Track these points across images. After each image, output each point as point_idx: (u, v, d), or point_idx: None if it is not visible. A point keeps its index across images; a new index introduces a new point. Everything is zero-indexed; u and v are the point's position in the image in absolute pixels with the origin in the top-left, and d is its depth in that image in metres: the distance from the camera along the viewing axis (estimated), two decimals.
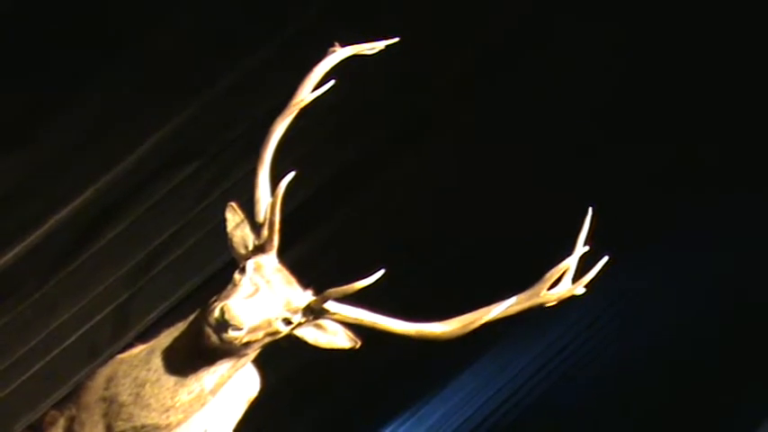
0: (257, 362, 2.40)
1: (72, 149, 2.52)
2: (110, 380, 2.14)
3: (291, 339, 2.16)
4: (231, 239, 2.16)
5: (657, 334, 6.05)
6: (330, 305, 2.08)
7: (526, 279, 2.27)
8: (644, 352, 6.15)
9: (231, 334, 1.93)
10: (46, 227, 2.59)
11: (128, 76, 2.51)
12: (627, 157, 4.31)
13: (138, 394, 2.06)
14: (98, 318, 3.05)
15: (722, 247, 5.28)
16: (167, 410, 2.07)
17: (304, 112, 2.23)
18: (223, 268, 3.06)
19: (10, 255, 2.57)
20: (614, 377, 6.15)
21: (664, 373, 6.22)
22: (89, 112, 2.46)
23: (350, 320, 2.12)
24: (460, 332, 2.12)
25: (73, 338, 3.02)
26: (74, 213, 2.64)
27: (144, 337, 2.58)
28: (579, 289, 2.25)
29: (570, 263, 2.19)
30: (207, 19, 2.51)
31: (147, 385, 2.05)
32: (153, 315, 3.16)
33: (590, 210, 2.29)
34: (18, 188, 2.48)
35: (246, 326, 1.94)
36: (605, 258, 2.26)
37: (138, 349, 2.21)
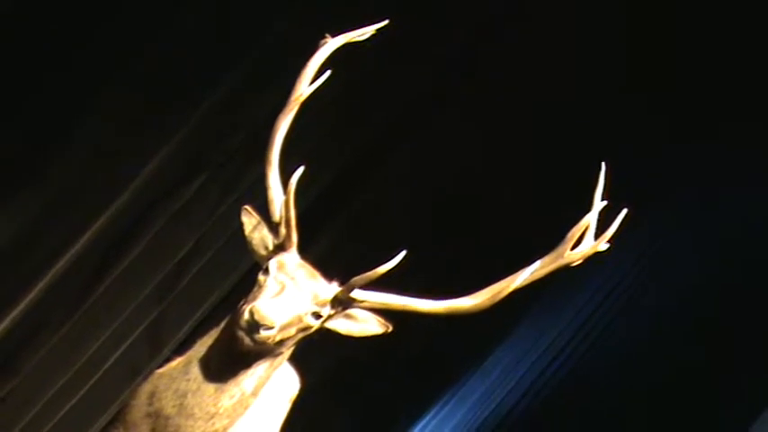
0: (294, 360, 2.43)
1: (79, 177, 2.55)
2: (152, 395, 2.16)
3: (324, 333, 2.18)
4: (251, 242, 2.18)
5: (686, 289, 5.99)
6: (357, 293, 2.09)
7: (549, 244, 2.27)
8: (674, 308, 6.10)
9: (263, 334, 1.95)
10: (67, 256, 2.62)
11: (128, 95, 2.53)
12: (642, 106, 4.27)
13: (181, 405, 2.08)
14: (133, 337, 3.08)
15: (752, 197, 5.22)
16: (212, 417, 2.09)
17: (305, 106, 2.23)
18: (248, 272, 3.09)
19: (37, 288, 2.61)
20: (647, 336, 6.11)
21: (695, 330, 6.15)
22: (90, 136, 2.49)
23: (378, 306, 2.13)
24: (489, 303, 2.13)
25: (111, 361, 3.06)
26: (92, 239, 2.66)
27: (180, 350, 2.61)
28: (602, 245, 2.24)
29: (590, 219, 2.18)
30: (204, 22, 2.52)
31: (189, 395, 2.08)
32: (186, 327, 3.20)
33: (603, 165, 2.28)
34: (34, 222, 2.51)
35: (277, 324, 1.96)
36: (624, 211, 2.25)
37: (176, 362, 2.23)
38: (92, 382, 3.04)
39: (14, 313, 2.60)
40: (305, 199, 3.04)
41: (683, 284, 5.87)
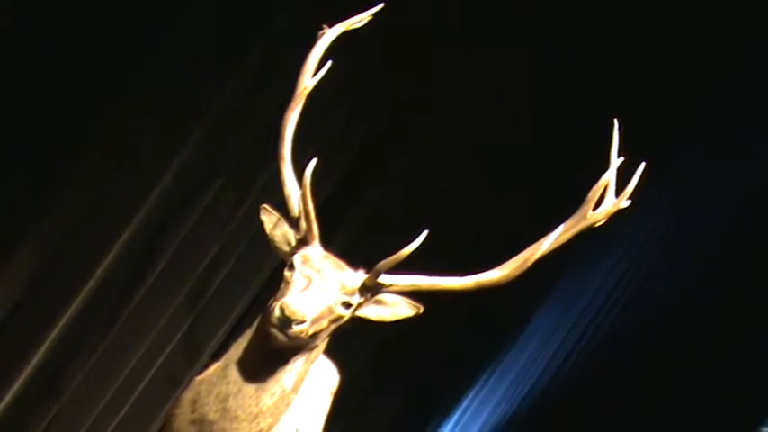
0: (331, 353, 2.44)
1: (97, 197, 2.57)
2: (194, 402, 2.17)
3: (356, 321, 2.18)
4: (273, 240, 2.18)
5: (712, 242, 5.92)
6: (384, 278, 2.09)
7: (569, 208, 2.25)
8: (703, 265, 6.03)
9: (296, 329, 1.95)
10: (95, 275, 2.65)
11: (134, 112, 2.55)
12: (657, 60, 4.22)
13: (224, 409, 2.09)
14: (169, 348, 3.12)
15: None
16: (256, 417, 2.10)
17: (312, 98, 2.23)
18: (274, 271, 3.10)
19: (69, 310, 2.64)
20: (678, 296, 6.05)
21: (725, 288, 6.05)
22: (104, 154, 2.51)
23: (407, 288, 2.13)
24: (518, 272, 2.12)
25: (150, 374, 3.10)
26: (118, 257, 2.69)
27: (216, 355, 2.63)
28: (624, 202, 2.23)
29: (609, 177, 2.17)
30: (203, 26, 2.53)
31: (231, 398, 2.08)
32: (219, 332, 3.22)
33: (615, 121, 2.26)
34: (59, 246, 2.54)
35: (309, 317, 1.96)
36: (642, 165, 2.23)
37: (214, 367, 2.24)
38: (134, 396, 3.08)
39: (51, 337, 2.63)
40: (322, 191, 3.06)
41: (711, 241, 5.82)
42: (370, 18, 2.42)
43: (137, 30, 2.39)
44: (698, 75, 4.39)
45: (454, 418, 5.62)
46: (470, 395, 5.59)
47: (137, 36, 2.38)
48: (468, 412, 5.71)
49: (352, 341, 2.39)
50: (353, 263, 2.15)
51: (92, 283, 2.65)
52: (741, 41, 4.28)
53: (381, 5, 2.40)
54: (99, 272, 2.65)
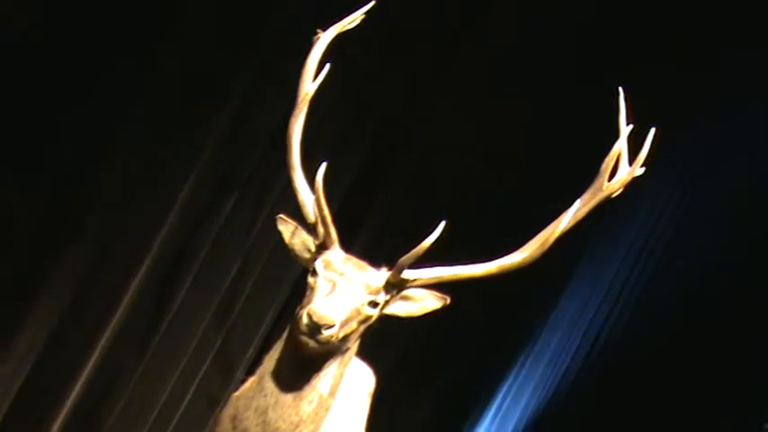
0: (365, 354, 2.44)
1: (116, 227, 2.60)
2: (234, 419, 2.17)
3: (385, 320, 2.17)
4: (292, 248, 2.17)
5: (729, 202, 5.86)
6: (407, 273, 2.08)
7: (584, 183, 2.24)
8: (728, 219, 5.96)
9: (326, 334, 1.95)
10: (123, 303, 2.68)
11: (142, 142, 2.57)
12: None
13: (264, 422, 2.09)
14: (204, 369, 3.14)
15: None
16: (297, 426, 2.10)
17: (316, 103, 2.23)
18: (298, 280, 3.11)
19: (102, 339, 2.66)
20: (705, 257, 5.98)
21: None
22: (117, 180, 2.53)
23: (432, 281, 2.12)
24: (540, 252, 2.11)
25: (189, 396, 3.12)
26: (143, 282, 2.71)
27: (250, 370, 2.64)
28: (638, 169, 2.21)
29: (620, 146, 2.15)
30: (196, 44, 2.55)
31: (270, 410, 2.08)
32: (251, 347, 3.24)
33: (620, 90, 2.25)
34: (85, 278, 2.56)
35: (337, 321, 1.96)
36: (653, 130, 2.22)
37: (249, 382, 2.24)
38: (175, 420, 3.10)
39: (87, 371, 2.66)
40: (336, 193, 3.07)
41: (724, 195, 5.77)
42: (362, 17, 2.42)
43: (138, 58, 2.41)
44: (708, 36, 4.37)
45: (494, 405, 5.61)
46: (508, 382, 5.57)
47: (138, 64, 2.41)
48: (508, 399, 5.70)
49: (383, 339, 2.39)
50: (375, 261, 2.15)
51: (119, 313, 2.68)
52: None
53: (372, 3, 2.40)
54: (126, 301, 2.67)
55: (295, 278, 3.18)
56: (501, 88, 3.78)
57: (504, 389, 5.58)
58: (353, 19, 2.39)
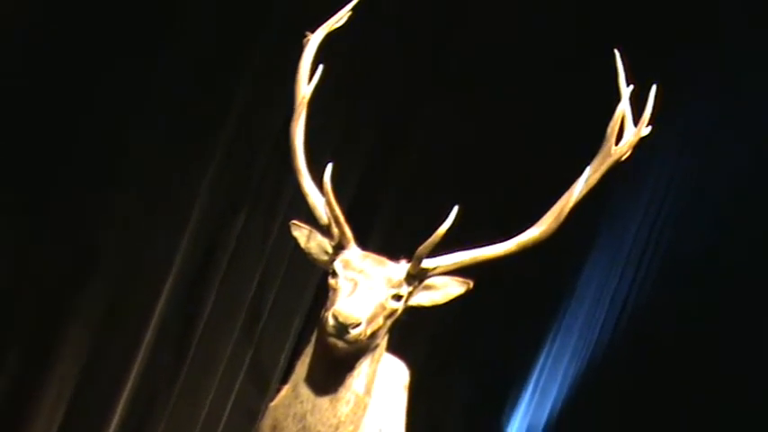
0: (396, 348, 2.43)
1: (135, 253, 2.61)
2: (274, 428, 2.17)
3: (411, 311, 2.17)
4: (309, 253, 2.17)
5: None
6: (427, 263, 2.08)
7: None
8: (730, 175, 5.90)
9: (353, 333, 1.95)
10: (151, 328, 2.69)
11: (149, 157, 2.58)
12: None
13: (304, 427, 2.09)
14: (238, 383, 3.15)
15: None
16: (337, 428, 2.10)
17: (313, 106, 2.23)
18: (320, 284, 3.11)
19: (135, 365, 2.67)
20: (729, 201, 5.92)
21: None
22: (128, 202, 2.54)
23: (452, 267, 2.12)
24: (556, 224, 2.10)
25: (227, 412, 3.13)
26: (168, 305, 2.72)
27: (284, 378, 2.64)
28: (644, 129, 2.20)
29: (623, 108, 2.14)
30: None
31: (308, 415, 2.08)
32: (282, 356, 3.24)
33: (616, 51, 2.23)
34: (112, 305, 2.58)
35: (363, 319, 1.95)
36: (654, 87, 2.20)
37: (284, 390, 2.24)
38: None
39: (124, 396, 2.67)
40: (346, 192, 3.07)
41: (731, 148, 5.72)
42: (349, 14, 2.41)
43: (138, 74, 2.42)
44: None
45: (531, 384, 5.60)
46: (541, 359, 5.57)
47: (138, 80, 2.41)
48: (544, 376, 5.69)
49: (412, 331, 2.38)
50: (394, 255, 2.14)
51: (147, 337, 2.69)
52: None
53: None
54: (152, 325, 2.68)
55: (317, 282, 3.18)
56: (501, 69, 3.77)
57: (539, 366, 5.58)
58: (340, 17, 2.39)
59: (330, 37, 2.36)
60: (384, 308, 2.05)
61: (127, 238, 2.54)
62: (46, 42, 2.28)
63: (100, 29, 2.34)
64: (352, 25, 2.42)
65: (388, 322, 2.09)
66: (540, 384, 5.67)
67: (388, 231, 3.40)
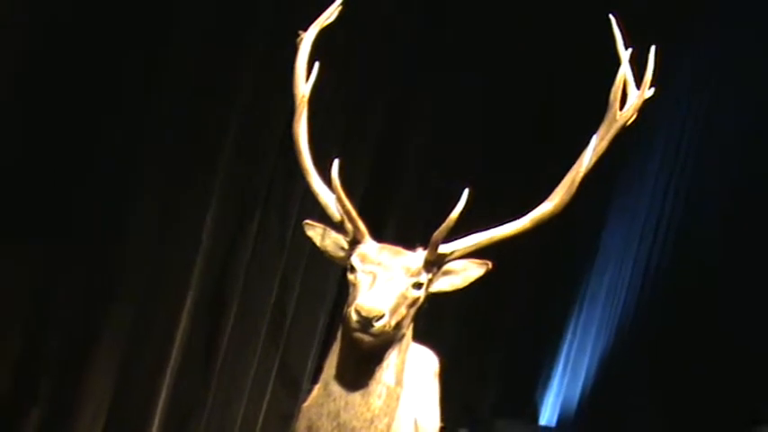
0: (425, 333, 2.43)
1: (153, 273, 2.62)
2: (309, 429, 2.17)
3: (432, 298, 2.17)
4: (326, 251, 2.17)
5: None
6: (443, 248, 2.07)
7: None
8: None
9: (378, 326, 1.94)
10: (177, 340, 2.70)
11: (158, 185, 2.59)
12: None
13: (339, 425, 2.09)
14: (269, 388, 3.16)
15: None
16: (372, 422, 2.10)
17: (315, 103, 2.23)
18: (340, 280, 3.11)
19: (166, 380, 2.69)
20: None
21: None
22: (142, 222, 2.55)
23: (469, 250, 2.11)
24: (568, 196, 2.09)
25: (261, 417, 3.14)
26: (191, 316, 2.73)
27: (313, 379, 2.65)
28: (648, 91, 2.18)
29: (624, 71, 2.12)
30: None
31: (341, 412, 2.08)
32: (309, 357, 3.25)
33: (611, 17, 2.21)
34: (135, 324, 2.59)
35: (386, 310, 1.95)
36: (653, 48, 2.18)
37: (315, 390, 2.25)
38: None
39: (158, 412, 2.69)
40: (356, 186, 3.06)
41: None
42: (339, 8, 2.40)
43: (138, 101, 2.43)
44: None
45: (562, 358, 5.59)
46: (569, 332, 5.56)
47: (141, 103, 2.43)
48: (574, 348, 5.68)
49: (438, 316, 2.37)
50: (411, 244, 2.14)
51: (174, 353, 2.70)
52: None
53: None
54: (177, 341, 2.69)
55: (337, 279, 3.18)
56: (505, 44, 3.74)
57: (568, 340, 5.57)
58: (331, 13, 2.38)
59: (323, 33, 2.36)
60: (406, 297, 2.04)
61: (145, 258, 2.55)
62: (47, 78, 2.31)
63: (104, 55, 2.36)
64: (347, 17, 2.42)
65: (412, 311, 2.09)
66: (571, 358, 5.66)
67: (403, 220, 3.40)
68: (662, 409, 5.47)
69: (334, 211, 2.15)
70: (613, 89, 2.13)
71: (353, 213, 2.08)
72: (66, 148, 2.38)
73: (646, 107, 2.19)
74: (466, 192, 2.00)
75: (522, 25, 3.85)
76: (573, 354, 5.65)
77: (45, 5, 2.25)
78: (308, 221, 2.19)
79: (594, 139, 2.10)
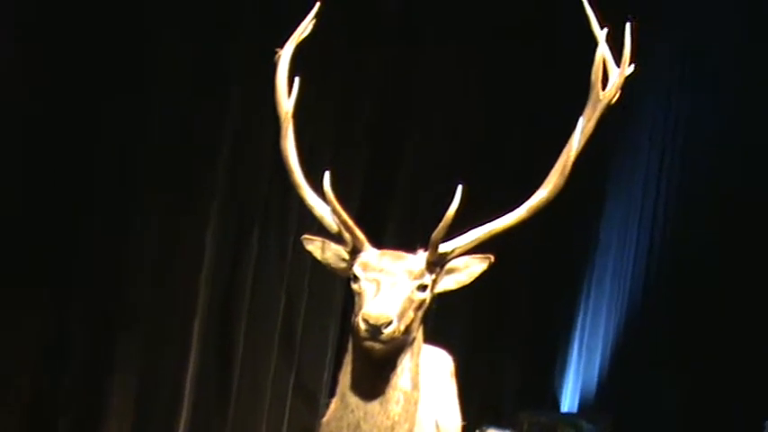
0: (435, 338, 2.43)
1: (165, 300, 2.62)
2: None
3: (439, 298, 2.16)
4: (327, 263, 2.17)
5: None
6: (443, 247, 2.07)
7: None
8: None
9: (387, 332, 1.94)
10: (190, 365, 2.70)
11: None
12: None
13: None
14: (287, 407, 3.15)
15: None
16: (392, 429, 2.09)
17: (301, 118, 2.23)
18: (346, 290, 3.11)
19: (183, 407, 2.68)
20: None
21: None
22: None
23: (469, 246, 2.11)
24: (562, 180, 2.09)
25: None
26: (202, 346, 2.73)
27: (330, 393, 2.65)
28: (628, 68, 2.18)
29: (602, 51, 2.12)
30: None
31: (361, 423, 2.08)
32: (324, 372, 3.24)
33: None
34: (150, 348, 2.59)
35: (394, 316, 1.95)
36: (628, 24, 2.19)
37: (333, 403, 2.24)
38: None
39: None
40: (352, 195, 3.06)
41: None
42: (314, 21, 2.41)
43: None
44: None
45: (575, 343, 5.59)
46: (580, 317, 5.56)
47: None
48: (587, 331, 5.68)
49: (447, 316, 2.35)
50: (411, 247, 2.14)
51: (189, 380, 2.70)
52: None
53: (318, 5, 2.39)
54: (191, 370, 2.69)
55: (343, 291, 3.18)
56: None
57: (579, 325, 5.56)
58: (305, 27, 2.39)
59: (301, 47, 2.37)
60: (412, 301, 2.04)
61: (150, 285, 2.56)
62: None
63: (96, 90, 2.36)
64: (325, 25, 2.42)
65: (419, 314, 2.08)
66: (585, 342, 5.65)
67: (402, 224, 3.40)
68: (679, 382, 5.47)
69: (331, 222, 2.15)
70: (594, 69, 2.13)
71: (350, 223, 2.08)
72: (62, 185, 2.39)
73: (628, 85, 2.19)
74: (459, 189, 2.00)
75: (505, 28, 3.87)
76: (586, 338, 5.65)
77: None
78: (306, 236, 2.19)
79: (581, 121, 2.11)
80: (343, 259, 2.14)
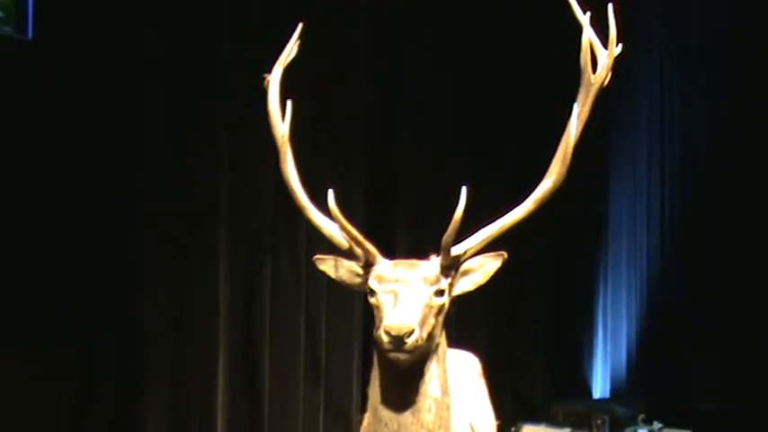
0: (459, 341, 2.42)
1: (182, 325, 2.62)
2: None
3: (457, 301, 2.16)
4: (342, 280, 2.17)
5: None
6: (455, 250, 2.07)
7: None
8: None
9: (410, 341, 1.94)
10: (220, 388, 2.69)
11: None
12: None
13: None
14: (321, 428, 3.14)
15: None
16: None
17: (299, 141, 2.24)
18: (364, 305, 3.11)
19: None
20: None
21: None
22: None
23: (481, 245, 2.11)
24: (565, 168, 2.09)
25: None
26: (228, 380, 2.73)
27: (361, 409, 2.64)
28: (616, 49, 2.18)
29: (587, 35, 2.13)
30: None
31: None
32: (352, 388, 3.23)
33: None
34: (176, 398, 2.59)
35: (415, 324, 1.95)
36: (610, 6, 2.19)
37: (365, 419, 2.24)
38: None
39: None
40: (359, 210, 3.06)
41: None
42: (298, 43, 2.42)
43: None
44: None
45: (599, 326, 5.57)
46: (600, 300, 5.54)
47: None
48: (609, 315, 5.66)
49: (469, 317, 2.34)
50: (423, 254, 2.13)
51: (219, 415, 2.70)
52: None
53: (300, 26, 2.40)
54: (219, 403, 2.69)
55: (362, 306, 3.18)
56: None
57: (601, 308, 5.54)
58: (290, 49, 2.40)
59: (288, 70, 2.37)
60: (431, 307, 2.03)
61: (171, 325, 2.56)
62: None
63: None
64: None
65: (440, 319, 2.08)
66: (609, 325, 5.63)
67: (411, 232, 3.40)
68: (708, 354, 5.44)
69: (341, 239, 2.15)
70: (582, 54, 2.14)
71: (360, 237, 2.08)
72: (69, 240, 2.41)
73: (618, 64, 2.19)
74: (464, 190, 1.99)
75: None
76: (609, 321, 5.62)
77: None
78: (318, 256, 2.19)
79: (576, 107, 2.11)
80: (358, 275, 2.14)
